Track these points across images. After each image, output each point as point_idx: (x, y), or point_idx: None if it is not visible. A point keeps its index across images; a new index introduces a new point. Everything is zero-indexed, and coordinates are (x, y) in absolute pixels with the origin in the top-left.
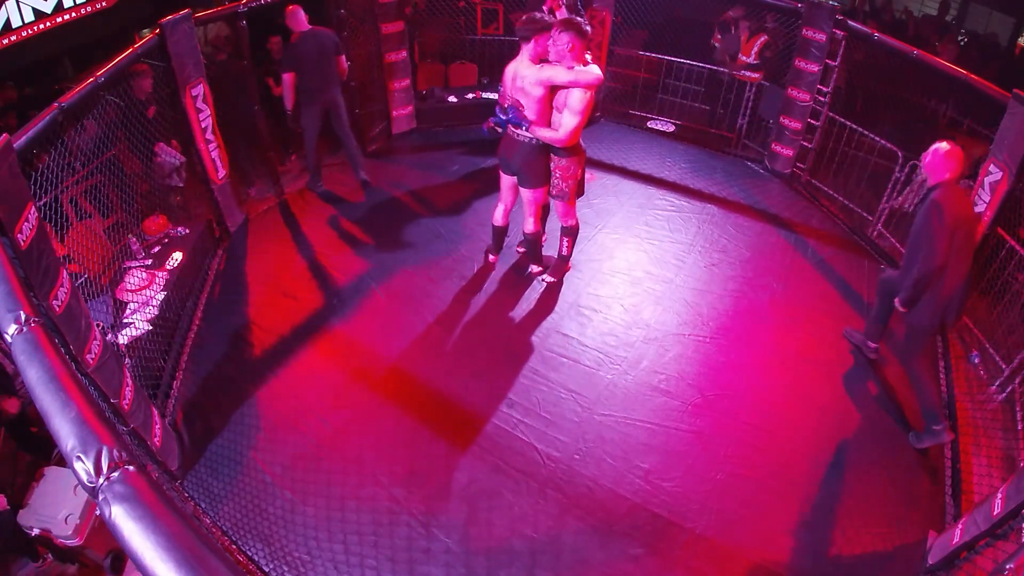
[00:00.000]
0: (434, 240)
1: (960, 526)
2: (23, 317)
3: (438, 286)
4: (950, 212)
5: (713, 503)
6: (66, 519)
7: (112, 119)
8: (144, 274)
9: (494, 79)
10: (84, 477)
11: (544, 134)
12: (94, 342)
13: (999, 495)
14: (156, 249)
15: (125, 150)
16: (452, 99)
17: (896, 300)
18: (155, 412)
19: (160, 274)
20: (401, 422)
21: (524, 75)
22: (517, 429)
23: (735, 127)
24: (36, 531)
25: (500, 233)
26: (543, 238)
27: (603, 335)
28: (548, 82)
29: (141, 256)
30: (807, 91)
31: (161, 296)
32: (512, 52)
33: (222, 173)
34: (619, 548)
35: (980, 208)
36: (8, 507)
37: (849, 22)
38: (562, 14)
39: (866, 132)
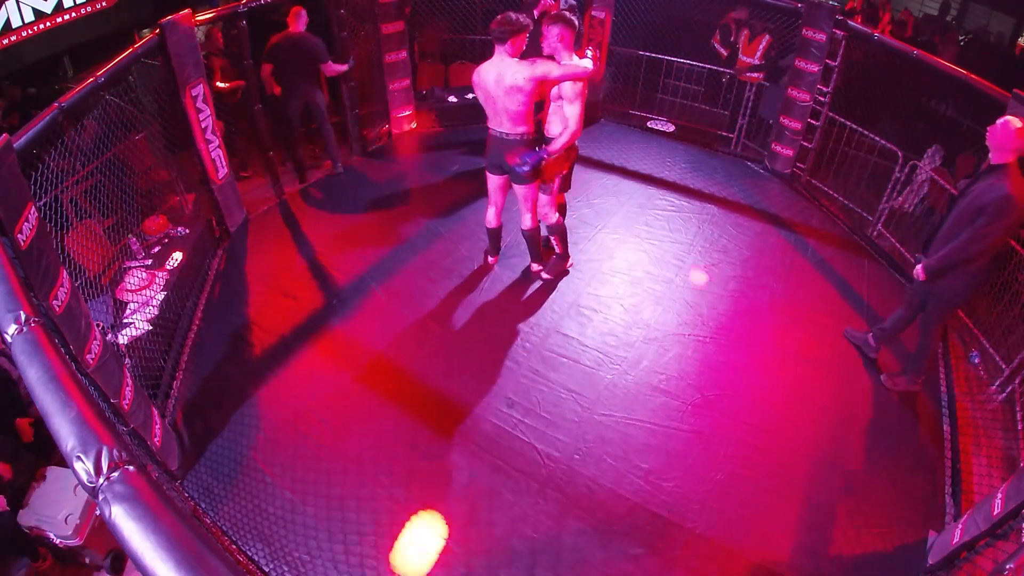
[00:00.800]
0: (434, 240)
1: (960, 526)
2: (23, 317)
3: (438, 286)
4: (1018, 207)
5: (713, 503)
6: (66, 519)
7: (113, 119)
8: (144, 274)
9: None
10: (84, 477)
11: (561, 143)
12: (94, 342)
13: (999, 495)
14: (156, 249)
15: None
16: (452, 99)
17: (919, 266)
18: (155, 412)
19: (160, 274)
20: (401, 422)
21: (514, 73)
22: (517, 429)
23: (735, 127)
24: (36, 531)
25: (495, 234)
26: (563, 228)
27: (603, 335)
28: (542, 78)
29: (141, 256)
30: (807, 91)
31: (161, 296)
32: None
33: (222, 173)
34: (619, 548)
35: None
36: (8, 508)
37: (849, 22)
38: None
39: (866, 132)
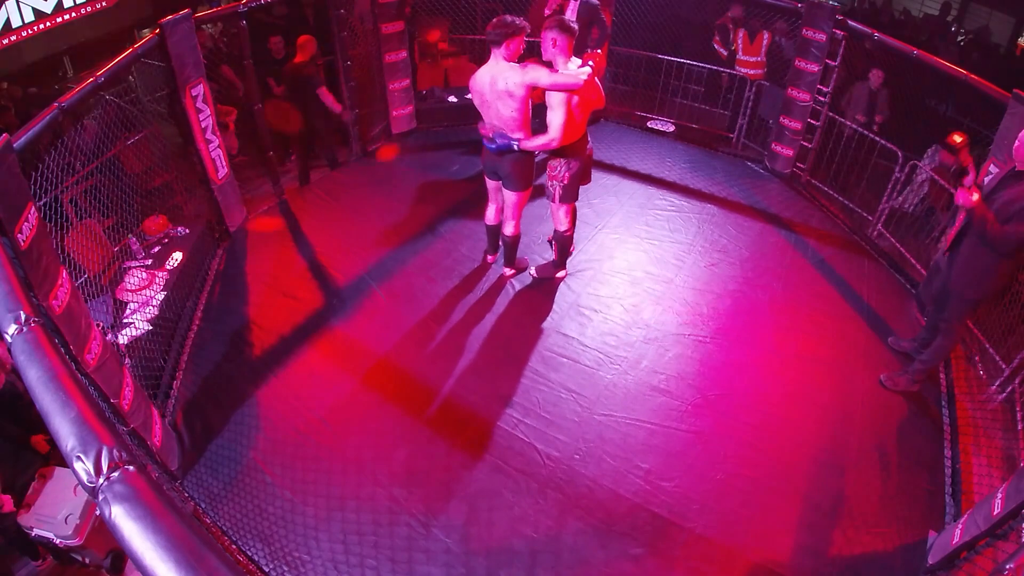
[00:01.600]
0: (434, 240)
1: (960, 526)
2: (23, 317)
3: (438, 286)
4: None
5: (713, 503)
6: (66, 519)
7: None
8: (144, 274)
9: None
10: (84, 477)
11: (536, 143)
12: (94, 342)
13: (999, 495)
14: (156, 249)
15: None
16: (452, 99)
17: (976, 196)
18: (155, 412)
19: (160, 274)
20: (401, 422)
21: (506, 77)
22: (517, 429)
23: (735, 127)
24: (36, 531)
25: (495, 232)
26: (569, 232)
27: (603, 335)
28: (533, 83)
29: (141, 256)
30: (807, 91)
31: (161, 296)
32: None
33: (222, 173)
34: (619, 548)
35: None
36: (13, 508)
37: (849, 22)
38: (572, 10)
39: (866, 132)
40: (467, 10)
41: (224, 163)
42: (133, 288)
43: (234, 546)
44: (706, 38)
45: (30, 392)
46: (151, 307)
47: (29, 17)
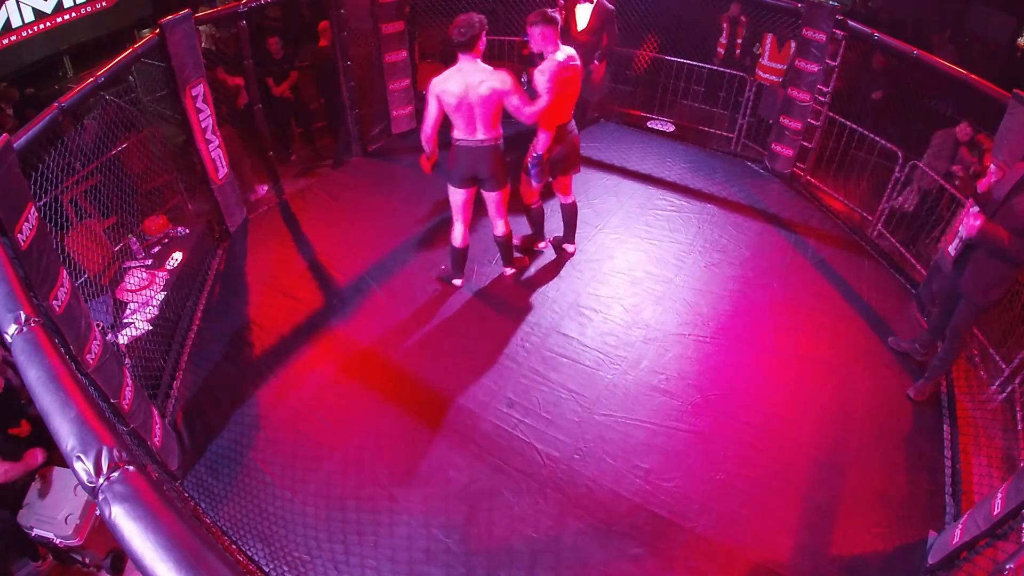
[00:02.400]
0: (434, 240)
1: (960, 526)
2: (23, 317)
3: (438, 286)
4: None
5: (713, 503)
6: (66, 519)
7: (112, 118)
8: (144, 274)
9: None
10: (84, 477)
11: (542, 138)
12: (94, 342)
13: (999, 495)
14: (156, 249)
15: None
16: None
17: (975, 219)
18: (155, 412)
19: (160, 274)
20: (401, 422)
21: (484, 78)
22: (517, 429)
23: (735, 127)
24: (36, 531)
25: (465, 255)
26: (539, 206)
27: (603, 335)
28: (513, 90)
29: (141, 256)
30: (807, 91)
31: (161, 296)
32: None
33: (222, 173)
34: (619, 548)
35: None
36: (45, 460)
37: (849, 22)
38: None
39: (866, 132)
40: (467, 10)
41: (224, 163)
42: (133, 288)
43: (234, 546)
44: (706, 37)
45: (30, 392)
46: (151, 307)
47: (29, 17)
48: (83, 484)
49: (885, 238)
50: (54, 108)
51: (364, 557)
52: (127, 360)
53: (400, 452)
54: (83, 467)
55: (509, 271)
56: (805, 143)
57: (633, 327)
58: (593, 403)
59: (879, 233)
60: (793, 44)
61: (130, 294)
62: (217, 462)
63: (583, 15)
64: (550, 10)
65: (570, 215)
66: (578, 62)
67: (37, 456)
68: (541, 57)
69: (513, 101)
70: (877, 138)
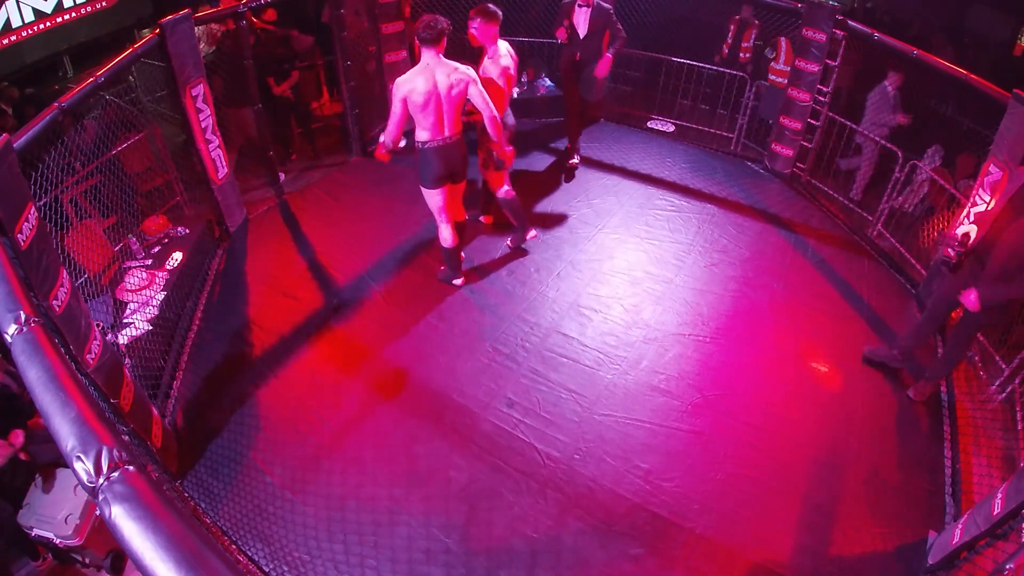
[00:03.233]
0: (434, 240)
1: (960, 526)
2: (23, 317)
3: (438, 286)
4: None
5: (713, 503)
6: (66, 519)
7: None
8: (144, 274)
9: None
10: (84, 477)
11: (503, 133)
12: (94, 342)
13: (999, 495)
14: (156, 249)
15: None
16: None
17: (973, 296)
18: (155, 412)
19: (160, 274)
20: (401, 422)
21: (452, 73)
22: (517, 429)
23: (735, 127)
24: (36, 531)
25: (458, 252)
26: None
27: (603, 335)
28: (483, 75)
29: (141, 256)
30: (807, 91)
31: (161, 296)
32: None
33: (222, 173)
34: (619, 548)
35: (980, 208)
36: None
37: (849, 22)
38: (586, 16)
39: (866, 132)
40: (467, 10)
41: (224, 163)
42: (133, 288)
43: (234, 546)
44: (706, 37)
45: (30, 392)
46: (151, 307)
47: (29, 17)
48: (83, 484)
49: (885, 238)
50: (54, 108)
51: (364, 557)
52: (127, 360)
53: (400, 452)
54: (83, 467)
55: (530, 235)
56: (805, 143)
57: (633, 327)
58: (593, 403)
59: (879, 233)
60: None
61: (130, 294)
62: (217, 462)
63: (582, 20)
64: (492, 5)
65: (512, 206)
66: (511, 60)
67: (18, 436)
68: (483, 51)
69: (479, 90)
70: (877, 138)
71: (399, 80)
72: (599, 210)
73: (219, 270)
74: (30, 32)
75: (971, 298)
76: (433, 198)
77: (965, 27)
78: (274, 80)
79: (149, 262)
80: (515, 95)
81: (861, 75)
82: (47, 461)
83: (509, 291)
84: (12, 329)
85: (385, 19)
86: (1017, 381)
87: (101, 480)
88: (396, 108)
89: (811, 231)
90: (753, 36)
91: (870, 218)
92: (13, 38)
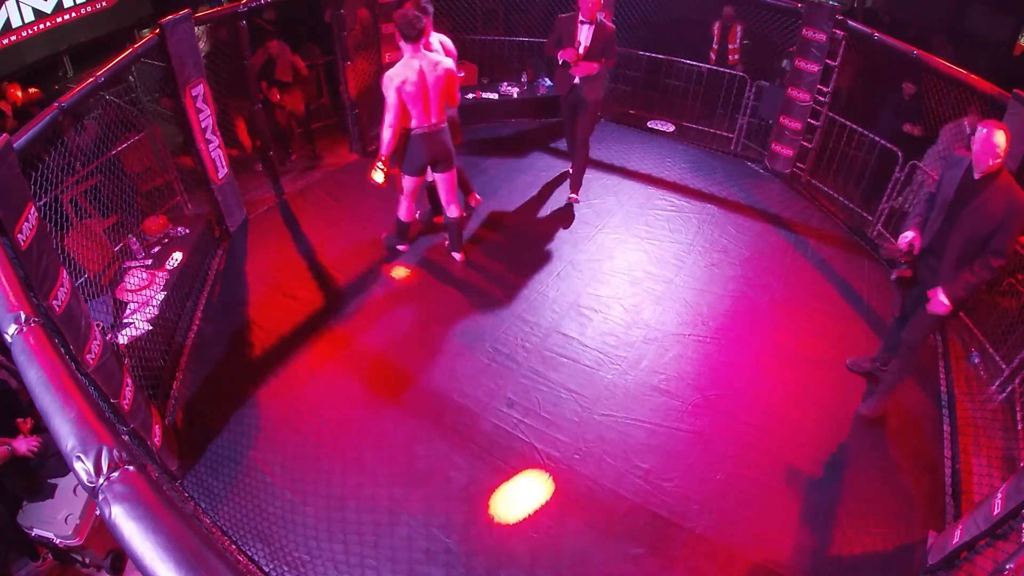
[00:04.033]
0: (434, 240)
1: (960, 526)
2: (23, 317)
3: (438, 286)
4: None
5: (713, 503)
6: (66, 519)
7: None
8: (144, 274)
9: (494, 79)
10: (84, 477)
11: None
12: (94, 342)
13: (999, 495)
14: (156, 249)
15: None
16: None
17: (942, 295)
18: (155, 412)
19: (160, 274)
20: (401, 422)
21: (436, 63)
22: (517, 429)
23: (735, 127)
24: (36, 531)
25: (409, 227)
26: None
27: (603, 335)
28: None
29: (141, 256)
30: (807, 91)
31: (161, 296)
32: (512, 51)
33: (222, 173)
34: (619, 548)
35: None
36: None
37: (849, 22)
38: (589, 32)
39: (866, 132)
40: (467, 10)
41: (224, 163)
42: (133, 288)
43: (234, 546)
44: (706, 38)
45: (30, 392)
46: (151, 307)
47: (29, 17)
48: (83, 484)
49: (885, 238)
50: (54, 108)
51: (364, 557)
52: (127, 360)
53: (400, 452)
54: (83, 467)
55: (459, 256)
56: (805, 143)
57: (633, 327)
58: (593, 403)
59: (879, 233)
60: None
61: (130, 294)
62: (217, 462)
63: (583, 38)
64: (415, 15)
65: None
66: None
67: (28, 442)
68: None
69: (457, 76)
70: (877, 138)
71: (390, 73)
72: (599, 210)
73: (219, 270)
74: (30, 32)
75: (940, 299)
76: (410, 182)
77: (965, 27)
78: (266, 83)
79: (149, 262)
80: (515, 95)
81: (861, 75)
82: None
83: (509, 291)
84: (12, 329)
85: (385, 19)
86: (1017, 381)
87: (101, 480)
88: (392, 99)
89: (811, 231)
90: (739, 36)
91: (870, 218)
92: (13, 38)
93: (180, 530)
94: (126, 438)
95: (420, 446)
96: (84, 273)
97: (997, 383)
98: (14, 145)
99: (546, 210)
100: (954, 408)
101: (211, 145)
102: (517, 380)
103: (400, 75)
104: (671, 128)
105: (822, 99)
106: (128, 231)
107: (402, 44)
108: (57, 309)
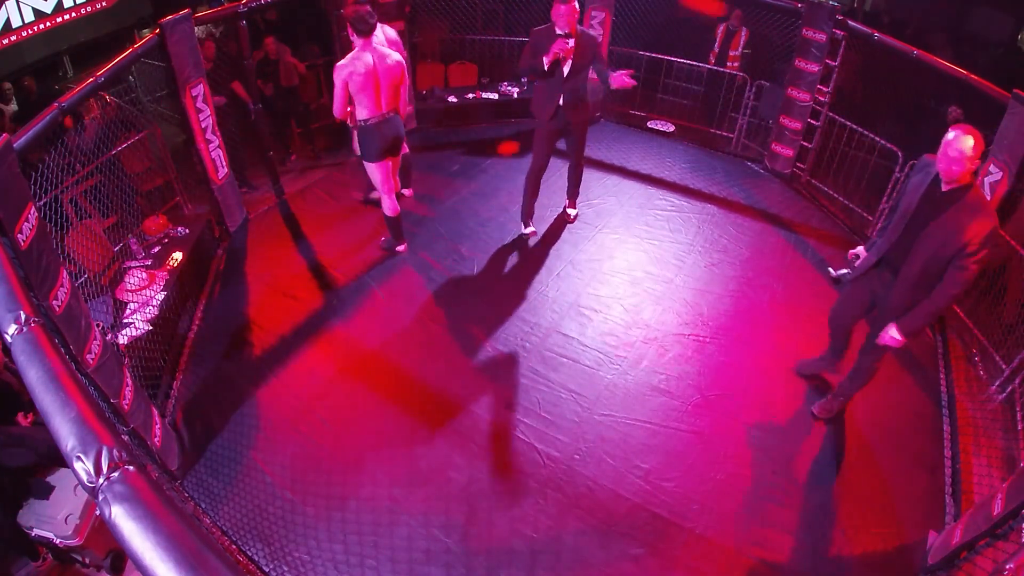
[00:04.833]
0: (434, 240)
1: (960, 526)
2: (23, 317)
3: (438, 286)
4: (998, 232)
5: (713, 503)
6: (66, 519)
7: (112, 118)
8: (144, 274)
9: (494, 79)
10: (84, 477)
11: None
12: (94, 342)
13: (999, 495)
14: (156, 249)
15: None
16: (452, 99)
17: (894, 330)
18: (155, 412)
19: (160, 274)
20: (401, 422)
21: (390, 55)
22: (517, 429)
23: (735, 127)
24: (36, 531)
25: (400, 221)
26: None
27: (603, 335)
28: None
29: (141, 256)
30: (807, 91)
31: (161, 296)
32: (512, 51)
33: (222, 173)
34: (619, 548)
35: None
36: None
37: (849, 22)
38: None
39: (866, 132)
40: (467, 10)
41: (224, 163)
42: (133, 288)
43: (234, 546)
44: (706, 38)
45: (30, 392)
46: (151, 307)
47: (29, 17)
48: (83, 484)
49: None
50: (54, 108)
51: (364, 557)
52: (127, 360)
53: (400, 452)
54: (83, 467)
55: (403, 248)
56: (805, 143)
57: (633, 327)
58: (593, 403)
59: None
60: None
61: (130, 294)
62: (217, 462)
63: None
64: (367, 11)
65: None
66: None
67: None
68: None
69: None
70: (877, 138)
71: (339, 65)
72: (599, 210)
73: (219, 270)
74: (30, 32)
75: (891, 335)
76: (377, 171)
77: (965, 27)
78: (261, 81)
79: (149, 262)
80: (515, 95)
81: (861, 75)
82: (16, 464)
83: (509, 291)
84: (12, 329)
85: (385, 19)
86: (1017, 381)
87: (101, 480)
88: (337, 87)
89: (811, 231)
90: (742, 44)
91: (870, 218)
92: (13, 38)
93: (180, 530)
94: (126, 438)
95: (420, 446)
96: (84, 273)
97: (997, 383)
98: (14, 145)
99: (546, 210)
100: (954, 408)
101: (211, 145)
102: (517, 380)
103: (348, 66)
104: (671, 128)
105: (822, 99)
106: (128, 231)
107: (354, 38)
108: (57, 309)
